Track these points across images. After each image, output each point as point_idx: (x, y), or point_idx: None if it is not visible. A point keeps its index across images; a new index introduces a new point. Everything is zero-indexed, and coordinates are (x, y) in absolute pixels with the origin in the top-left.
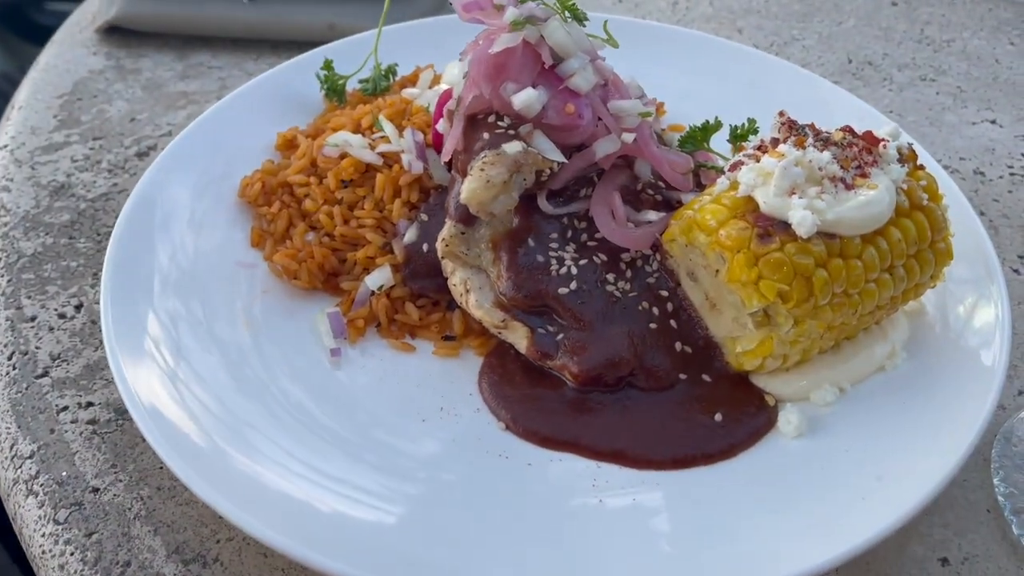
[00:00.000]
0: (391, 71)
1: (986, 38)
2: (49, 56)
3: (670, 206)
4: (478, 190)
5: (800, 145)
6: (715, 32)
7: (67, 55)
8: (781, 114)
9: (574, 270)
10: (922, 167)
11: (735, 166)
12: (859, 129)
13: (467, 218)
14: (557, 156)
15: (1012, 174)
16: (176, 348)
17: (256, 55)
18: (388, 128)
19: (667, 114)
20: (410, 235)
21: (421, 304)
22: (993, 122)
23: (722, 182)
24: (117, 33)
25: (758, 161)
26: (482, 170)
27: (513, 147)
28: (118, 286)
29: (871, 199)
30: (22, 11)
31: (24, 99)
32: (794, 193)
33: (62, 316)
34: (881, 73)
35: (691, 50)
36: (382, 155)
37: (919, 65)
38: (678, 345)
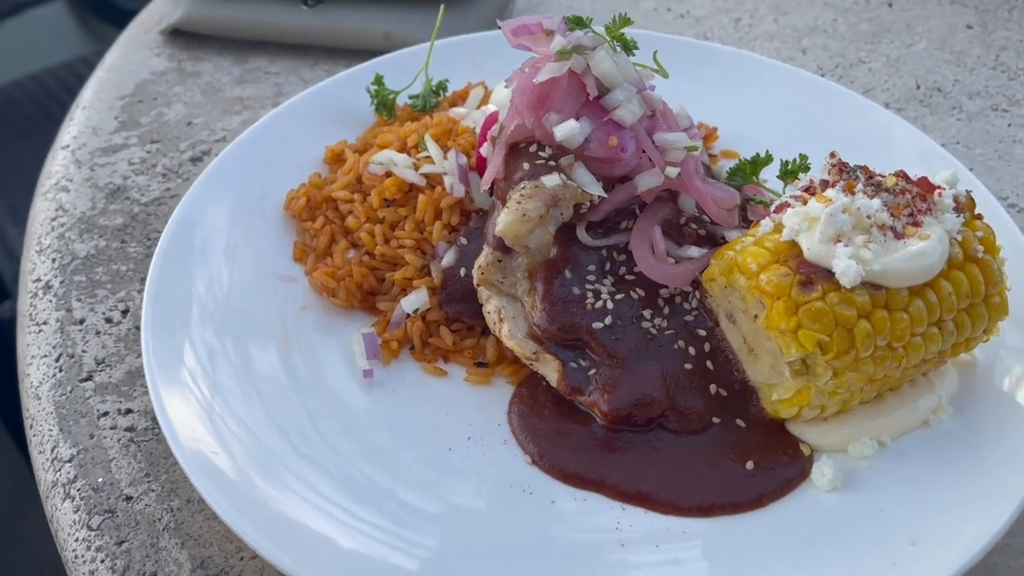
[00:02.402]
0: (441, 87)
1: None
2: (115, 56)
3: (714, 241)
4: (514, 223)
5: (850, 190)
6: (777, 51)
7: (131, 56)
8: (832, 155)
9: (610, 304)
10: (979, 217)
11: (780, 208)
12: (919, 166)
13: (504, 246)
14: (596, 190)
15: None
16: (212, 370)
17: (313, 61)
18: (433, 149)
19: (719, 139)
20: (448, 259)
21: (456, 329)
22: None
23: (766, 223)
24: (180, 35)
25: (805, 204)
26: (519, 203)
27: (551, 180)
28: (159, 305)
29: (921, 250)
30: None
31: (88, 99)
32: (840, 241)
33: (109, 320)
34: (950, 101)
35: (748, 73)
36: (425, 176)
37: (991, 94)
38: (713, 388)
